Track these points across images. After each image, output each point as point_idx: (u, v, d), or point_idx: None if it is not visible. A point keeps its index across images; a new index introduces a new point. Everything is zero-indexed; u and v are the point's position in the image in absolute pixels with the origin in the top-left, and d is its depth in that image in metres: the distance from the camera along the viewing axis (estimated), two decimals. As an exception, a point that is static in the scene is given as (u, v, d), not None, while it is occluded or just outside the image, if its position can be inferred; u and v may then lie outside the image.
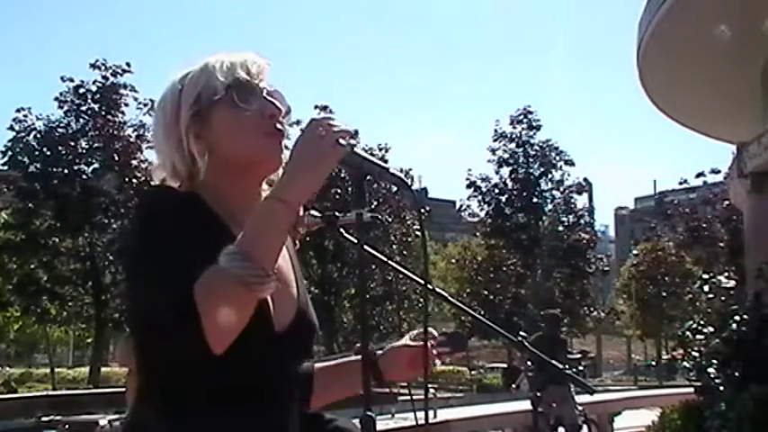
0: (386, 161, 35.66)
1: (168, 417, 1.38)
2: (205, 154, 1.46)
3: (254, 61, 1.51)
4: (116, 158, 30.99)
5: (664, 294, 42.24)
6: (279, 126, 1.49)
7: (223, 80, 1.46)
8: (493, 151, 42.00)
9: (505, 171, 42.10)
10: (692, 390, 8.15)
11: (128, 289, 1.44)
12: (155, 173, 1.53)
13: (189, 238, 1.33)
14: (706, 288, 8.79)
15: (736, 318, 7.55)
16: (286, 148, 1.49)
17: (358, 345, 1.58)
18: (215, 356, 1.28)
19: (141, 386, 1.45)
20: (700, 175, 42.48)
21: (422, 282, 1.56)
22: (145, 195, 1.53)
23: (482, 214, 42.98)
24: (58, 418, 14.11)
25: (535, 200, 42.06)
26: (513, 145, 41.97)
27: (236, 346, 1.29)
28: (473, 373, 37.73)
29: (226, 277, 1.25)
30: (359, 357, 1.60)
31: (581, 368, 12.55)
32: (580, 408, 9.96)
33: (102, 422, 12.50)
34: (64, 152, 30.73)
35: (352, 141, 1.38)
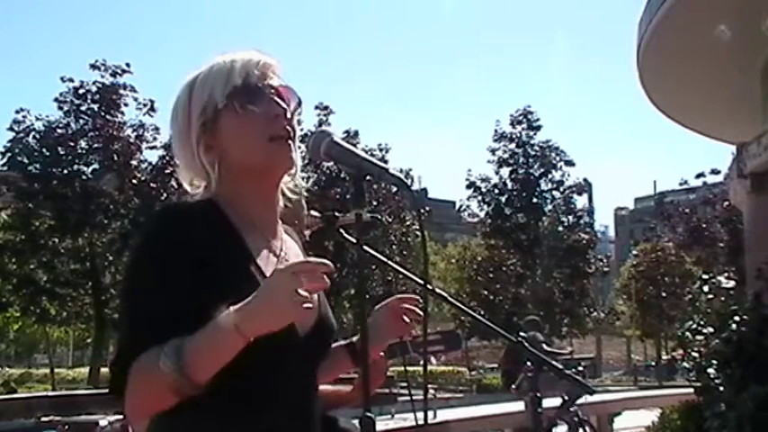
0: (386, 161, 35.82)
1: (192, 420, 1.37)
2: (215, 165, 1.47)
3: (256, 61, 1.50)
4: (116, 159, 30.99)
5: (664, 294, 42.20)
6: (286, 126, 1.48)
7: (223, 90, 1.47)
8: (493, 151, 42.11)
9: (505, 171, 42.19)
10: (692, 390, 8.13)
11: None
12: (180, 174, 1.55)
13: (181, 275, 1.35)
14: (706, 288, 8.78)
15: (736, 318, 7.53)
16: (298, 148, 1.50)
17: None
18: (236, 363, 1.29)
19: None
20: (700, 175, 42.62)
21: (421, 282, 1.56)
22: (151, 219, 1.51)
23: (482, 214, 43.07)
24: (58, 418, 14.09)
25: (535, 200, 42.08)
26: (513, 145, 42.02)
27: (262, 351, 1.29)
28: (473, 373, 37.73)
29: (158, 373, 1.27)
30: (342, 343, 1.70)
31: (580, 368, 12.54)
32: (573, 408, 9.93)
33: (102, 422, 12.49)
34: (63, 153, 30.75)
35: (346, 144, 1.40)
